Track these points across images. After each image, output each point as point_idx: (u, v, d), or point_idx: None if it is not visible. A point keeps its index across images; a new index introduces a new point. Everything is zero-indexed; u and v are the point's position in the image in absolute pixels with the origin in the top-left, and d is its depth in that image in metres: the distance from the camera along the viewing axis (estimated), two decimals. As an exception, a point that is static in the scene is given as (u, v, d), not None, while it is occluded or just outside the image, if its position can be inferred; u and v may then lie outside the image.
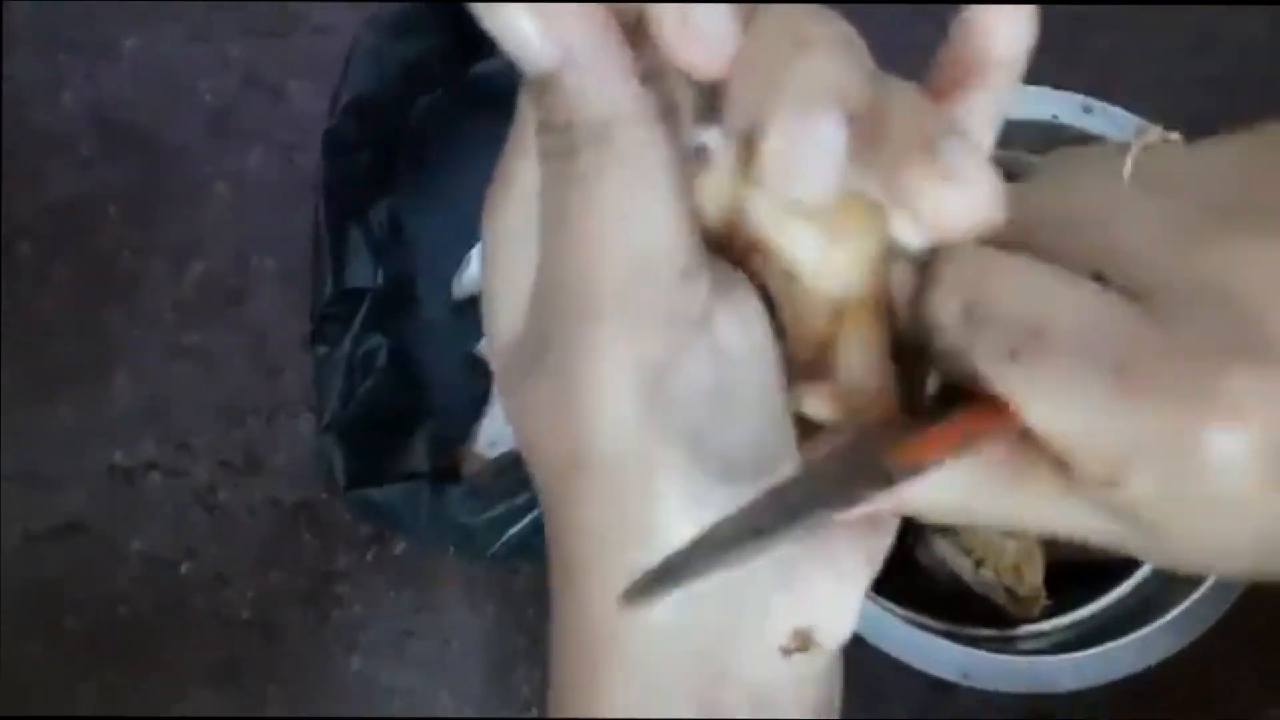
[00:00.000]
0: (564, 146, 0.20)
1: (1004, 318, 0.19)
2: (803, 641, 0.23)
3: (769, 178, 0.19)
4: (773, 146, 0.18)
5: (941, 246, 0.20)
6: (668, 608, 0.21)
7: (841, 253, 0.21)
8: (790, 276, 0.21)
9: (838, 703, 0.25)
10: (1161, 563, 0.21)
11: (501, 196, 0.22)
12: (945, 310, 0.20)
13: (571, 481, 0.21)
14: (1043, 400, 0.19)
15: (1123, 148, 0.20)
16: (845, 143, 0.18)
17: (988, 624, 0.52)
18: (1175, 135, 0.20)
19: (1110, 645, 0.49)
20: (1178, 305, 0.18)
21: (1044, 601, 0.52)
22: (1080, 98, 0.49)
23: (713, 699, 0.22)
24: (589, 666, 0.23)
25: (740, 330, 0.21)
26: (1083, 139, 0.52)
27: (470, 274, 0.59)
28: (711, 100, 0.20)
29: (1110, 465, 0.18)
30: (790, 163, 0.18)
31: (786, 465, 0.22)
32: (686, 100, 0.20)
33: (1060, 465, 0.19)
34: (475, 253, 0.59)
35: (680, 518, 0.21)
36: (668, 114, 0.20)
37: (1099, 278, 0.19)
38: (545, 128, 0.20)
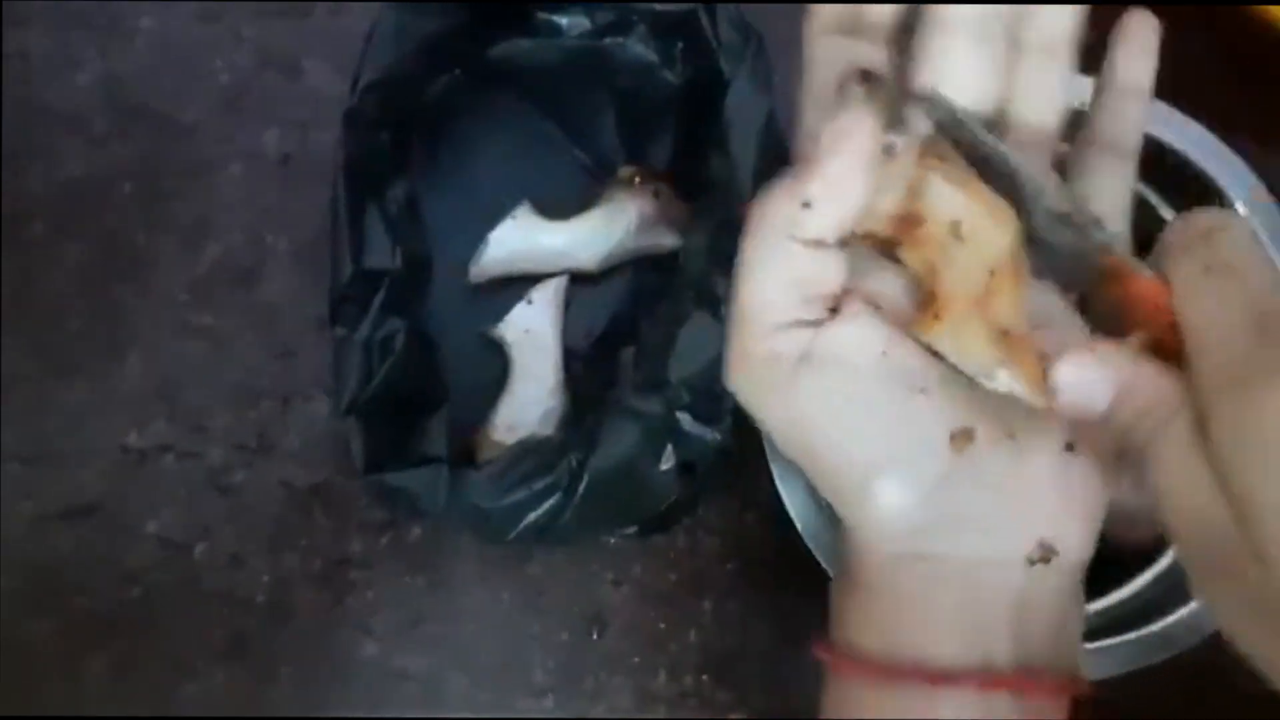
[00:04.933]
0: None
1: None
2: (1045, 553, 0.27)
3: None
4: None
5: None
6: (925, 530, 0.27)
7: (997, 225, 0.27)
8: (955, 241, 0.27)
9: (1078, 620, 0.29)
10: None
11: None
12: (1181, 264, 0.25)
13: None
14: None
15: None
16: None
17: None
18: None
19: (1126, 637, 0.49)
20: None
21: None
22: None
23: (972, 599, 0.27)
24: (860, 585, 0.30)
25: (855, 350, 0.28)
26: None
27: (488, 257, 0.59)
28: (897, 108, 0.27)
29: None
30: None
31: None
32: (882, 110, 0.27)
33: None
34: (493, 235, 0.58)
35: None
36: None
37: None
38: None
